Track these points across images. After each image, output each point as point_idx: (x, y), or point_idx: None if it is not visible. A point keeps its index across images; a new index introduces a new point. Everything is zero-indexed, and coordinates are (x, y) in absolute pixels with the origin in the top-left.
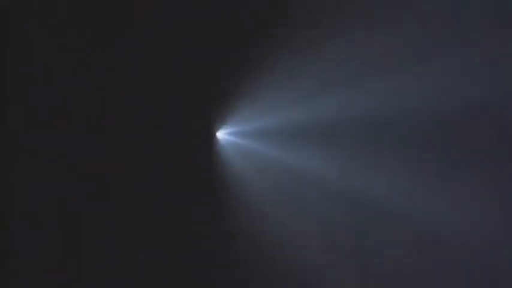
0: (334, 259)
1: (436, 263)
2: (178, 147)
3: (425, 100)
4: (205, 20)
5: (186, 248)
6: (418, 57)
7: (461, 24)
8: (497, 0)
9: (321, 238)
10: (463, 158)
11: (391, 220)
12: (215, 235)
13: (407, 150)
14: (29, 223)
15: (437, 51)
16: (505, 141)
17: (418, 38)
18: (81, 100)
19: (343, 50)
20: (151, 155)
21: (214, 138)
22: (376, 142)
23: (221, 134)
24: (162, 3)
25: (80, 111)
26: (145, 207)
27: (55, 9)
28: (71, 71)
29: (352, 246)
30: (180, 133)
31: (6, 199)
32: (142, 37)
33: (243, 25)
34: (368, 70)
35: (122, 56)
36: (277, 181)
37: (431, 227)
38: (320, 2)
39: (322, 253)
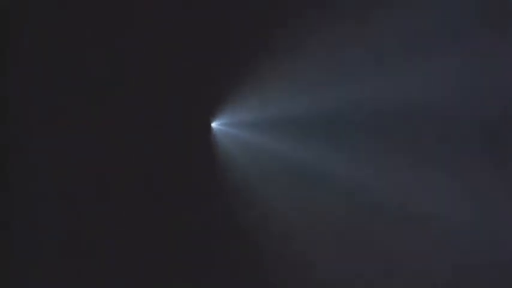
0: (330, 248)
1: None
2: (175, 137)
3: (425, 95)
4: (202, 14)
5: (184, 237)
6: (417, 52)
7: (459, 20)
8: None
9: (318, 227)
10: (458, 153)
11: (386, 211)
12: (212, 225)
13: (401, 143)
14: (29, 223)
15: (437, 47)
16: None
17: (417, 32)
18: (81, 96)
19: (342, 44)
20: (148, 145)
21: (210, 129)
22: (372, 135)
23: (216, 125)
24: (159, 1)
25: (79, 108)
26: (142, 199)
27: (55, 9)
28: (71, 70)
29: (349, 236)
30: (177, 123)
31: (6, 199)
32: (140, 31)
33: (239, 20)
34: (367, 64)
35: (121, 52)
36: (273, 171)
37: (431, 222)
38: None
39: (318, 242)
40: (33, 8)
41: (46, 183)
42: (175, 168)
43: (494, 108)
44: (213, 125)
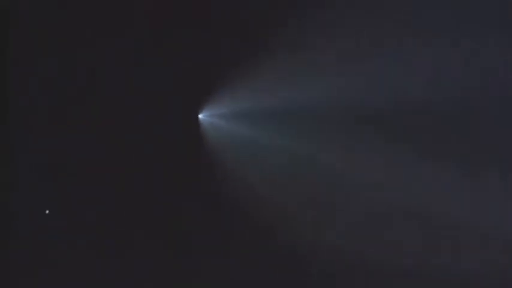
0: (313, 228)
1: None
2: (164, 128)
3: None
4: (189, 11)
5: (173, 223)
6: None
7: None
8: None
9: (302, 211)
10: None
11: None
12: (201, 211)
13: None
14: (29, 219)
15: (436, 42)
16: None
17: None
18: (73, 91)
19: (329, 39)
20: (140, 137)
21: (197, 120)
22: (352, 125)
23: (203, 116)
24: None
25: (73, 102)
26: (133, 187)
27: (55, 10)
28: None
29: (330, 215)
30: (165, 115)
31: (7, 198)
32: (131, 28)
33: (226, 15)
34: (349, 57)
35: (112, 48)
36: (258, 158)
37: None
38: None
39: (302, 223)
40: (33, 8)
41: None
42: (164, 156)
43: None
44: (200, 116)
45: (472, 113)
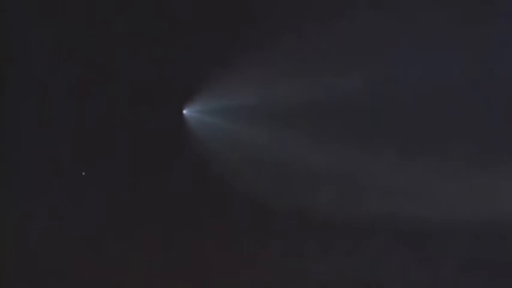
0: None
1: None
2: (149, 123)
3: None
4: (175, 7)
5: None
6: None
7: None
8: None
9: (279, 197)
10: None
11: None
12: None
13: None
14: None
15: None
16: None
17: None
18: (67, 87)
19: (314, 36)
20: (126, 131)
21: (181, 115)
22: (337, 122)
23: (188, 112)
24: None
25: (65, 98)
26: (120, 179)
27: (54, 10)
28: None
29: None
30: (151, 110)
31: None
32: (121, 27)
33: (213, 10)
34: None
35: (103, 48)
36: (242, 154)
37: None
38: None
39: (280, 211)
40: (34, 8)
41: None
42: (150, 150)
43: None
44: (185, 111)
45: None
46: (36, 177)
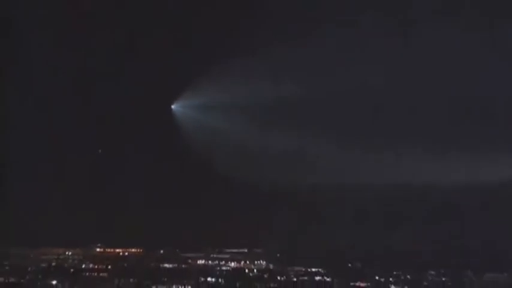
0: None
1: None
2: (141, 117)
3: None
4: (167, 7)
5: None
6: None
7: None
8: None
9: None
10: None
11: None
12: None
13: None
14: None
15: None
16: None
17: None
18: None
19: (300, 33)
20: (120, 126)
21: (170, 110)
22: (322, 116)
23: (176, 107)
24: None
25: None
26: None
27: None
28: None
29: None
30: (142, 105)
31: None
32: (114, 26)
33: (203, 13)
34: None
35: (96, 47)
36: (226, 146)
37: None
38: None
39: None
40: (34, 9)
41: None
42: (141, 141)
43: None
44: (173, 107)
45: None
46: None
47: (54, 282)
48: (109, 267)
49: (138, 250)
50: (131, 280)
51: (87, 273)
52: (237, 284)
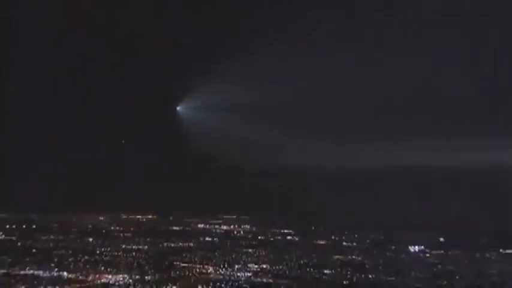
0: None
1: None
2: (147, 117)
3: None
4: (171, 10)
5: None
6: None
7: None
8: None
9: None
10: None
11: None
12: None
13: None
14: None
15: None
16: None
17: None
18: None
19: (295, 36)
20: (128, 123)
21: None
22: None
23: (181, 108)
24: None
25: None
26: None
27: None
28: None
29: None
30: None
31: None
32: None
33: (207, 16)
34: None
35: (101, 48)
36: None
37: None
38: None
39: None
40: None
41: None
42: (147, 139)
43: None
44: (178, 108)
45: None
46: None
47: (90, 239)
48: (131, 229)
49: (153, 216)
50: (148, 239)
51: (115, 234)
52: (228, 242)
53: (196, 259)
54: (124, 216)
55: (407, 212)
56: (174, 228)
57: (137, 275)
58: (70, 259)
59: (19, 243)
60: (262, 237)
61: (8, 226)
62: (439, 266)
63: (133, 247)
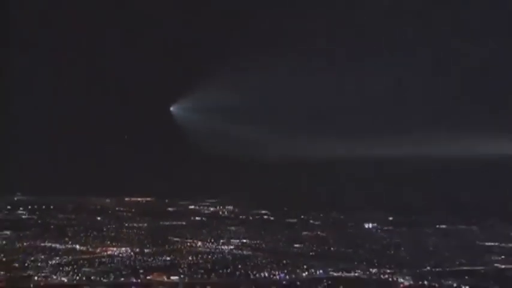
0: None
1: None
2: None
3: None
4: (169, 12)
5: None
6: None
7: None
8: None
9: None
10: None
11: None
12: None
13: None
14: None
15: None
16: None
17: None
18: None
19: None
20: (124, 124)
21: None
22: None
23: (175, 109)
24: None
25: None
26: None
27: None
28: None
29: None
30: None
31: None
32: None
33: (204, 17)
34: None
35: (100, 48)
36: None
37: None
38: None
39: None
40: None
41: None
42: (142, 138)
43: None
44: (172, 108)
45: None
46: None
47: (99, 218)
48: (133, 210)
49: (152, 199)
50: (146, 218)
51: (119, 213)
52: (214, 221)
53: (187, 235)
54: (127, 199)
55: (364, 197)
56: (169, 209)
57: (138, 248)
58: (81, 234)
59: (39, 221)
60: (243, 217)
61: (30, 207)
62: (388, 240)
63: (135, 225)
